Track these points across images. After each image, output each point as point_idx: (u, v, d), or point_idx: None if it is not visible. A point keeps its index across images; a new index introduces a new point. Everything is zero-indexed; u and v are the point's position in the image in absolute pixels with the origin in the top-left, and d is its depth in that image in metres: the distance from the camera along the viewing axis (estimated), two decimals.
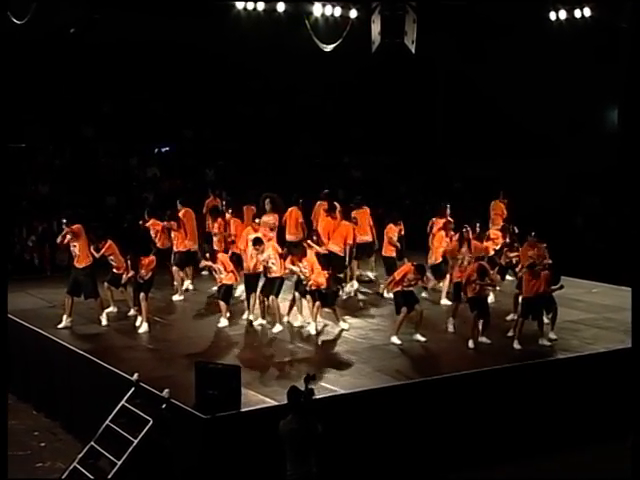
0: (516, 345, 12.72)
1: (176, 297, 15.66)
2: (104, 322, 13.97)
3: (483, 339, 12.92)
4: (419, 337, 12.94)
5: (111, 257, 14.26)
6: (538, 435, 11.77)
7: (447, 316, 13.88)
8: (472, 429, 11.43)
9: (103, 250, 14.15)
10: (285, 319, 13.99)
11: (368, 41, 17.08)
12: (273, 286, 13.55)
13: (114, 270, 14.33)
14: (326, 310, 13.63)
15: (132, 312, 14.28)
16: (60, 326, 13.70)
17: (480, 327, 12.98)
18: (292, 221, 16.36)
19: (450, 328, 13.64)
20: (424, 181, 24.60)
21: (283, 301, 14.03)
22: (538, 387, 12.01)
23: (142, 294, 13.66)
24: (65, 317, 13.81)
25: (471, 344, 12.81)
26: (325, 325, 13.73)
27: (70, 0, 16.56)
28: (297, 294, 13.85)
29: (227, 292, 13.78)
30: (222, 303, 13.75)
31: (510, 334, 13.08)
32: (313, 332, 13.41)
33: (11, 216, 19.36)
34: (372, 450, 10.75)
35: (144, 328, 13.59)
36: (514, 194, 17.69)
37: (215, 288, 14.53)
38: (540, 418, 11.87)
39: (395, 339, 12.91)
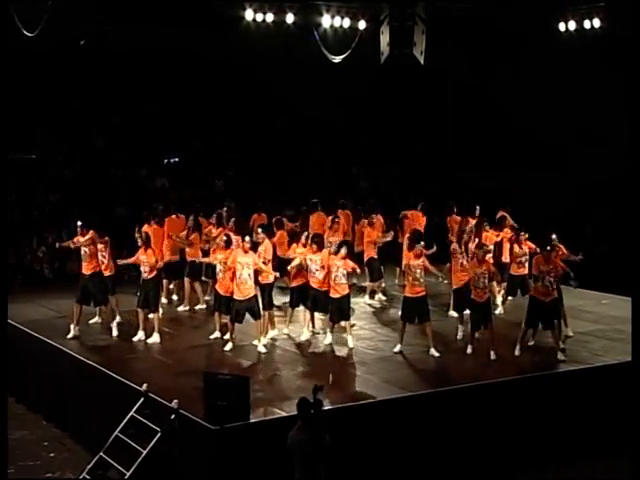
0: (516, 351, 12.83)
1: (181, 308, 15.66)
2: (115, 332, 14.00)
3: (491, 353, 12.88)
4: (434, 352, 12.90)
5: (86, 248, 14.06)
6: (547, 448, 11.73)
7: (456, 324, 13.94)
8: (480, 441, 11.40)
9: (87, 237, 14.05)
10: (285, 330, 14.03)
11: (377, 52, 17.12)
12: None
13: (105, 273, 14.31)
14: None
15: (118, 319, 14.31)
16: (69, 336, 13.74)
17: (490, 337, 12.98)
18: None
19: (459, 335, 13.71)
20: (433, 192, 24.58)
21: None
22: (547, 399, 11.96)
23: (148, 309, 13.70)
24: (73, 327, 13.83)
25: (469, 350, 12.91)
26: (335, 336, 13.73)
27: (81, 12, 16.64)
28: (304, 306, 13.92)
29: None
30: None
31: (530, 343, 13.18)
32: (327, 342, 13.42)
33: (21, 226, 19.47)
34: (380, 461, 10.73)
35: (155, 339, 13.60)
36: (524, 205, 17.66)
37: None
38: (549, 431, 11.82)
39: (397, 348, 13.04)
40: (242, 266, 12.86)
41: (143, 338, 13.62)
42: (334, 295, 13.23)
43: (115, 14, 17.42)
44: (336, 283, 13.21)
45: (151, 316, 13.70)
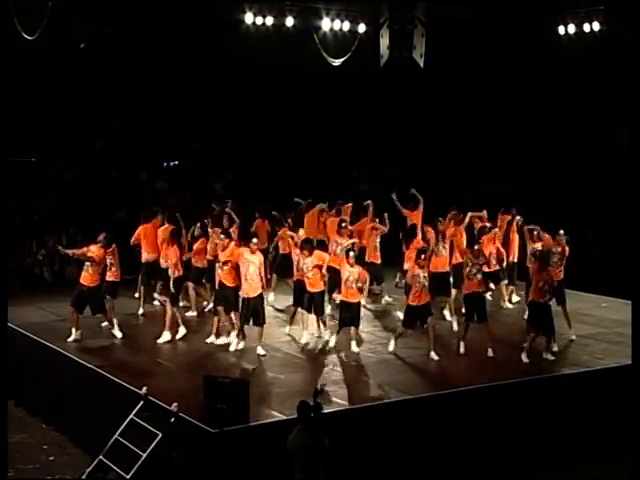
0: (524, 358, 12.75)
1: (189, 313, 15.55)
2: (119, 335, 14.00)
3: (489, 350, 12.91)
4: (434, 355, 12.89)
5: (111, 261, 14.23)
6: (546, 451, 11.73)
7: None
8: (479, 444, 11.39)
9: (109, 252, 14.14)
10: (287, 328, 14.12)
11: (377, 55, 17.13)
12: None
13: (110, 279, 14.38)
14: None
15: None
16: (70, 340, 13.72)
17: (487, 334, 13.04)
18: (262, 232, 16.50)
19: (455, 327, 14.07)
20: (433, 194, 24.58)
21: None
22: (546, 402, 11.95)
23: (169, 305, 13.72)
24: (74, 330, 13.82)
25: (462, 349, 12.98)
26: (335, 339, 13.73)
27: (80, 15, 16.66)
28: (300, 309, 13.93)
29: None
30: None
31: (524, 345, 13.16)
32: (332, 345, 13.44)
33: (21, 229, 19.46)
34: (379, 464, 10.72)
35: (165, 338, 13.60)
36: (524, 207, 17.62)
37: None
38: (549, 434, 11.82)
39: (391, 347, 13.16)
40: (249, 263, 12.91)
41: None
42: (347, 299, 13.17)
43: (115, 17, 17.41)
44: (347, 287, 13.15)
45: (169, 313, 13.72)
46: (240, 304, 13.24)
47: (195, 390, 10.75)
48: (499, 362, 12.79)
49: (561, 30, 17.93)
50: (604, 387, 12.35)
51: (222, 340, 13.51)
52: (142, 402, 10.93)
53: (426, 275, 13.00)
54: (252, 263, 12.91)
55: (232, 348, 13.17)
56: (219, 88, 23.54)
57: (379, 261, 15.80)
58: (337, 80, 20.37)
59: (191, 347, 13.66)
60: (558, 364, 12.75)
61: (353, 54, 17.58)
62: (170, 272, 13.84)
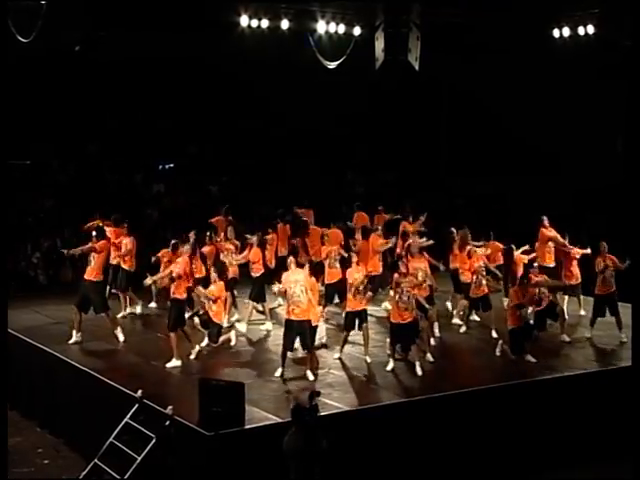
0: (530, 358, 12.76)
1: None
2: (121, 337, 13.94)
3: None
4: (429, 357, 12.89)
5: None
6: (546, 452, 11.73)
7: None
8: (477, 447, 11.39)
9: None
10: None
11: (372, 58, 17.16)
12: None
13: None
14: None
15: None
16: (70, 342, 13.69)
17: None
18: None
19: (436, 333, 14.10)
20: (428, 198, 24.60)
21: None
22: (546, 404, 11.96)
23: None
24: (75, 332, 13.79)
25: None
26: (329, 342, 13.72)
27: (75, 18, 16.64)
28: None
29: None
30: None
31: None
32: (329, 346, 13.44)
33: (16, 232, 19.42)
34: (376, 466, 10.71)
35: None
36: (519, 211, 17.70)
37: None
38: (548, 435, 11.81)
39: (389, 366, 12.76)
40: (292, 282, 12.08)
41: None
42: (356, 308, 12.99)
43: (109, 20, 17.41)
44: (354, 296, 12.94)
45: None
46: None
47: (190, 393, 10.74)
48: (497, 364, 12.80)
49: (556, 33, 17.95)
50: (604, 389, 12.36)
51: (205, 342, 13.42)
52: (137, 405, 10.91)
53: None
54: (298, 282, 12.05)
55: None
56: (214, 90, 23.53)
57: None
58: (332, 83, 20.38)
59: (186, 350, 13.61)
60: (558, 366, 12.77)
61: (348, 57, 17.59)
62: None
